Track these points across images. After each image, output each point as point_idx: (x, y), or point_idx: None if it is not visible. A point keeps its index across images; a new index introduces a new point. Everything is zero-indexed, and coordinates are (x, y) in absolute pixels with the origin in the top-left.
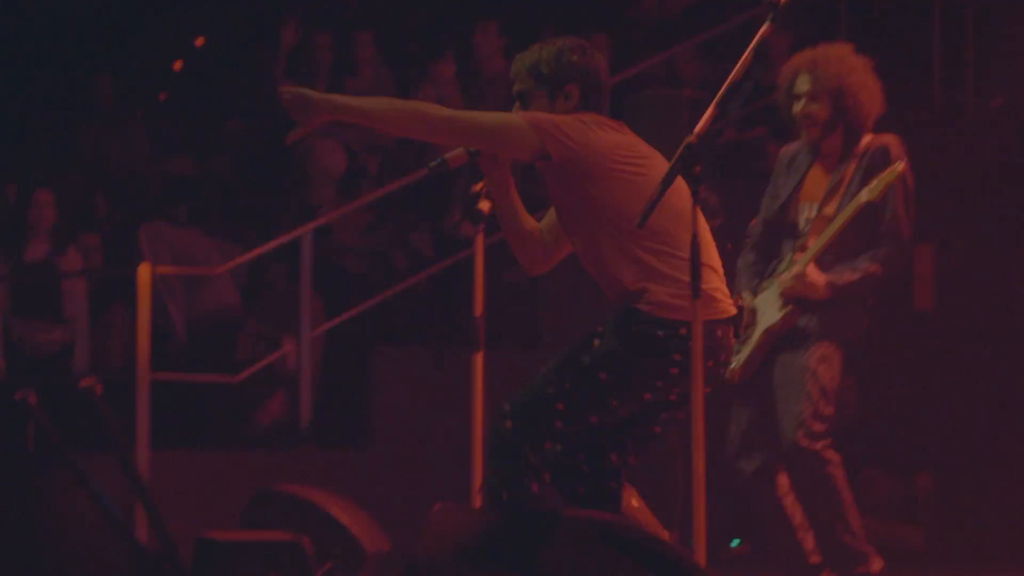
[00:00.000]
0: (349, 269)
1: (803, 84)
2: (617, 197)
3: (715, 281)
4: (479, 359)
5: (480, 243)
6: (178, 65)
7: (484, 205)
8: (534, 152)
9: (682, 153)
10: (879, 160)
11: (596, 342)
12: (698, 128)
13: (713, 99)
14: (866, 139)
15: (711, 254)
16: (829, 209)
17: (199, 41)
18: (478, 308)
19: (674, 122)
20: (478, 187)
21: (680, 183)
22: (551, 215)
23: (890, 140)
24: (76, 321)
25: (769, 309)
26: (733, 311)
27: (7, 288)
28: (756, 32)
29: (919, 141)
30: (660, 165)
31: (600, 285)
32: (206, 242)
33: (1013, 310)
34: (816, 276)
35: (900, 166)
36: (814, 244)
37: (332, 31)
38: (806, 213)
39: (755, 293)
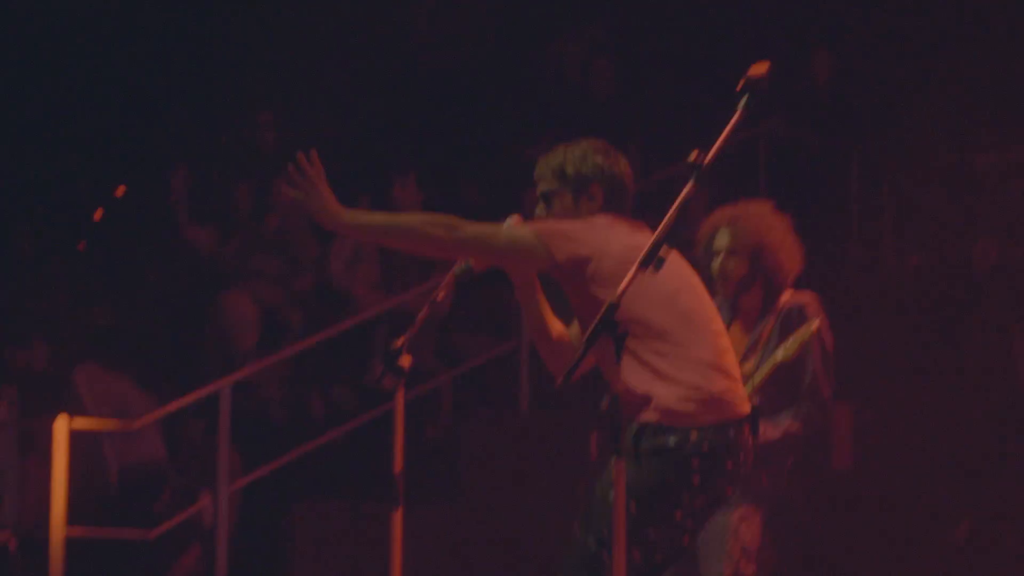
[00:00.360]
0: (268, 422)
1: (722, 240)
2: (627, 300)
3: (724, 383)
4: (398, 516)
5: (400, 399)
6: (98, 214)
7: (404, 361)
8: (547, 264)
9: (605, 313)
10: (795, 318)
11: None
12: (622, 287)
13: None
14: (784, 296)
15: (723, 355)
16: (747, 367)
17: (119, 190)
18: (397, 465)
19: None
20: (399, 342)
21: (692, 279)
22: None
23: (807, 298)
24: (5, 474)
25: None
26: (746, 410)
27: None
28: (676, 190)
29: (837, 299)
30: (673, 266)
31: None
32: (140, 391)
33: (931, 471)
34: None
35: (814, 325)
36: None
37: (249, 180)
38: None
39: None
